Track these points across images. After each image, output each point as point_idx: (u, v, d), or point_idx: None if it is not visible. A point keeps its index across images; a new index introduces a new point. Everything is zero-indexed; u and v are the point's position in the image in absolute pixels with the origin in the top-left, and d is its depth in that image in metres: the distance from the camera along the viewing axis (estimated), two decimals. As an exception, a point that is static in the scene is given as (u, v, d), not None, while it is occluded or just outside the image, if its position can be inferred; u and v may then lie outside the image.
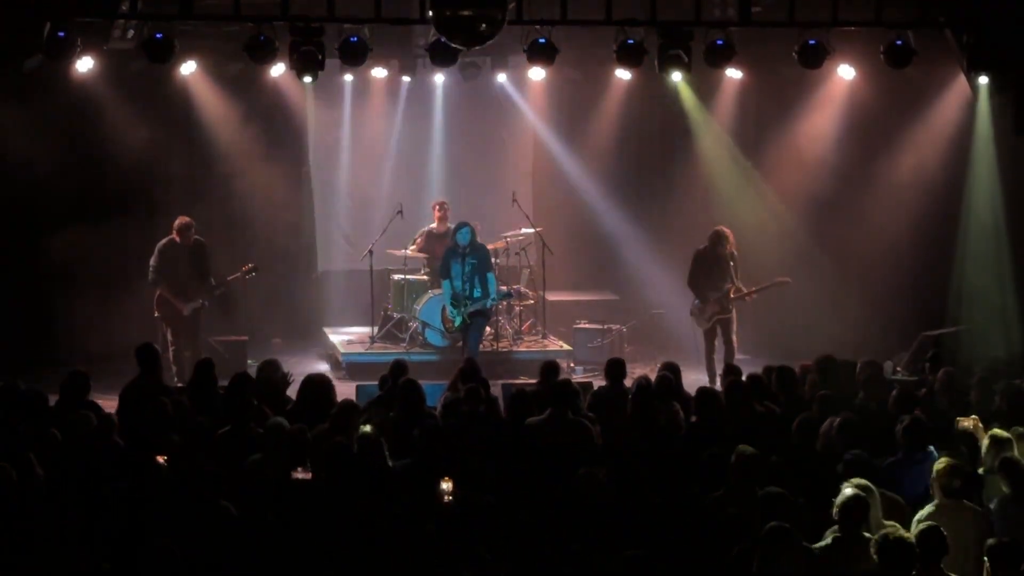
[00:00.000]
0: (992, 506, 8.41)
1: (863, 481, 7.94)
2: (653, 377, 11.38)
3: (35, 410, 10.03)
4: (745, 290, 15.29)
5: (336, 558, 7.52)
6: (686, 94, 17.50)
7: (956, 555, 7.46)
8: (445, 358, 15.41)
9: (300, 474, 8.81)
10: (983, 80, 14.82)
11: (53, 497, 8.19)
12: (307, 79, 13.95)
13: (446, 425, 10.15)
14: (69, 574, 7.33)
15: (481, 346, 15.56)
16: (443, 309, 15.65)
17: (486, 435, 9.83)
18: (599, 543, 7.54)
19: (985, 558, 7.33)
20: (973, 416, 10.15)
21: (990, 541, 7.38)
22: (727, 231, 15.25)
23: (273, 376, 11.17)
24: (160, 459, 8.80)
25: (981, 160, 15.90)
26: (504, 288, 15.99)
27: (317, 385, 10.73)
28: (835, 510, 7.73)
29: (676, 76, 14.67)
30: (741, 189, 17.67)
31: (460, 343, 15.59)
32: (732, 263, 15.27)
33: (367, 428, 9.48)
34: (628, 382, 11.29)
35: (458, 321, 15.23)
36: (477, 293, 15.12)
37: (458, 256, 15.17)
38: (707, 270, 15.26)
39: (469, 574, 7.19)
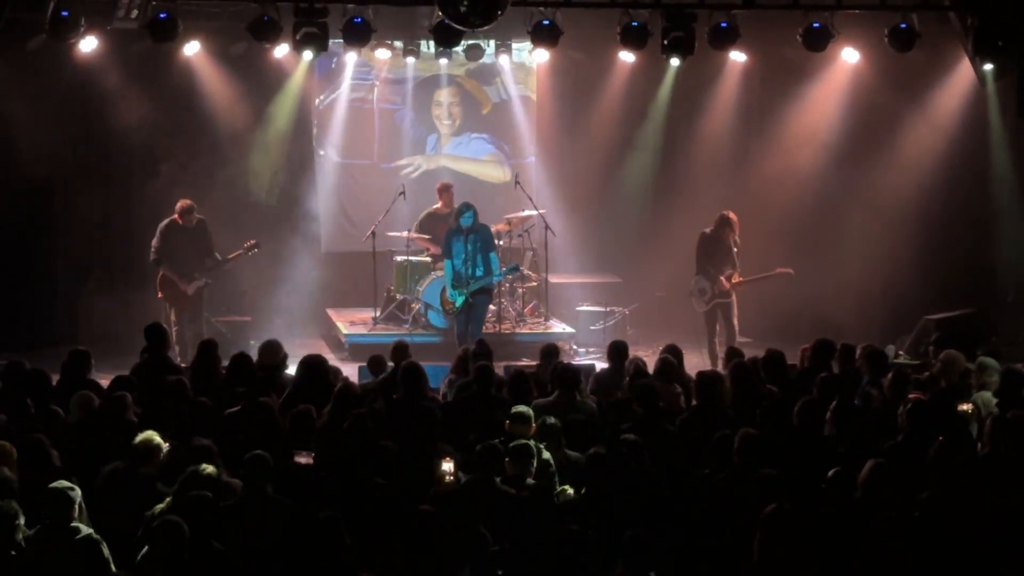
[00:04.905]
0: None
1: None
2: (653, 360, 11.40)
3: (39, 388, 10.04)
4: (742, 278, 15.25)
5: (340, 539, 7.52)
6: (669, 80, 17.50)
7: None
8: (448, 340, 15.41)
9: (303, 458, 8.80)
10: (988, 67, 14.83)
11: (64, 476, 8.19)
12: (307, 54, 13.98)
13: (452, 406, 10.19)
14: (79, 551, 7.36)
15: (483, 327, 15.54)
16: (443, 290, 15.61)
17: (491, 416, 9.84)
18: (601, 523, 7.58)
19: None
20: (973, 400, 10.16)
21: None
22: (733, 217, 15.18)
23: (273, 359, 11.18)
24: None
25: (992, 145, 15.89)
26: (506, 267, 15.87)
27: (314, 367, 10.72)
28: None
29: (674, 62, 14.76)
30: (743, 172, 17.64)
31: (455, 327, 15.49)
32: (735, 249, 15.25)
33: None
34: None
35: (459, 301, 15.15)
36: (479, 272, 15.09)
37: (460, 235, 15.08)
38: (710, 253, 15.24)
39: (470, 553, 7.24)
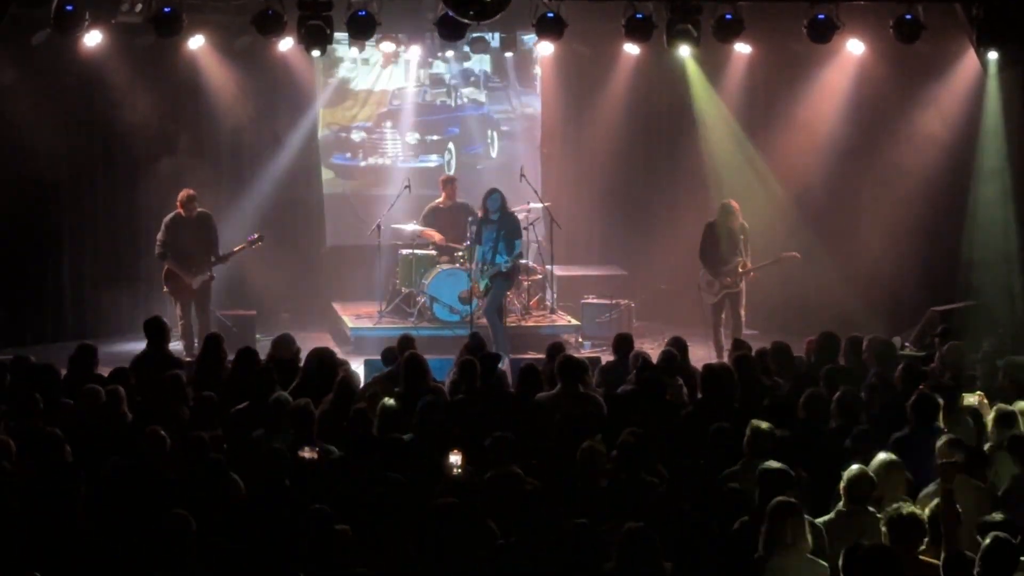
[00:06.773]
0: (1005, 486, 8.39)
1: (892, 457, 7.98)
2: (659, 352, 11.40)
3: (47, 383, 10.06)
4: (751, 265, 15.27)
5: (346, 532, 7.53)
6: (692, 70, 17.42)
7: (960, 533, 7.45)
8: (454, 333, 15.43)
9: (307, 453, 8.81)
10: (992, 56, 14.79)
11: (73, 468, 8.21)
12: (315, 53, 13.99)
13: (454, 400, 10.19)
14: (82, 548, 7.38)
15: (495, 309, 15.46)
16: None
17: (494, 410, 9.85)
18: (603, 516, 7.59)
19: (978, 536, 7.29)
20: (978, 392, 10.16)
21: (987, 517, 7.33)
22: (734, 203, 15.23)
23: (286, 353, 11.19)
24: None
25: (990, 136, 15.87)
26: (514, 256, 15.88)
27: (321, 359, 10.74)
28: (842, 484, 7.76)
29: (684, 51, 14.69)
30: (749, 164, 17.63)
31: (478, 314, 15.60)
32: (743, 236, 15.25)
33: (390, 401, 9.47)
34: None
35: (483, 285, 15.33)
36: (500, 259, 15.21)
37: (486, 223, 15.27)
38: (716, 243, 15.25)
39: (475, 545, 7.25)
